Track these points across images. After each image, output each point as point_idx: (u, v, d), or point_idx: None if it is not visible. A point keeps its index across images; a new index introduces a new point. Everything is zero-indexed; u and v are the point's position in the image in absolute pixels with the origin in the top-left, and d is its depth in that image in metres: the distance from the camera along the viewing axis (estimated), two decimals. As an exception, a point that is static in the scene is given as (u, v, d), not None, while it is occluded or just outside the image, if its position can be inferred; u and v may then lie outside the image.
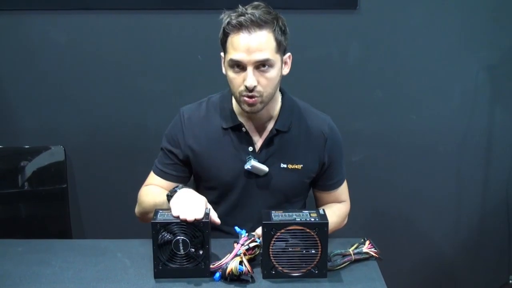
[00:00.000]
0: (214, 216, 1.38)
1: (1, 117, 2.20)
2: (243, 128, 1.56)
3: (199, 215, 1.31)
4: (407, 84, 2.17)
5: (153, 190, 1.59)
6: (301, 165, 1.58)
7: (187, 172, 1.64)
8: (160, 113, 2.15)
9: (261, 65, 1.42)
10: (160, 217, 1.32)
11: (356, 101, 2.19)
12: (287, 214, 1.33)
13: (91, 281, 1.33)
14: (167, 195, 1.43)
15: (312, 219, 1.30)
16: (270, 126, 1.57)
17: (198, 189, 1.69)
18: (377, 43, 2.13)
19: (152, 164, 1.67)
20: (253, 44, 1.40)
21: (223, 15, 1.45)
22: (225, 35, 1.44)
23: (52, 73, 2.16)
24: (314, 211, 1.34)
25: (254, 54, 1.40)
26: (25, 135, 2.21)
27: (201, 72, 2.10)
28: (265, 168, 1.55)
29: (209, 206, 1.41)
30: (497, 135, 2.22)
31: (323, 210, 1.36)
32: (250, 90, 1.43)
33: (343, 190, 1.69)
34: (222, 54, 1.50)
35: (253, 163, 1.53)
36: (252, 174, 1.56)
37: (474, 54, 2.14)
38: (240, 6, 1.44)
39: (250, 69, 1.42)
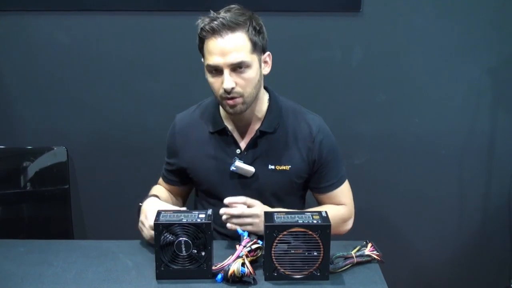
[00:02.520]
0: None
1: (4, 118, 2.21)
2: (229, 132, 1.58)
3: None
4: (410, 87, 2.17)
5: (156, 188, 1.72)
6: (289, 166, 1.58)
7: (183, 176, 1.69)
8: (163, 114, 2.14)
9: (238, 67, 1.44)
10: (163, 218, 1.32)
11: (359, 104, 2.19)
12: (289, 216, 1.32)
13: (93, 282, 1.33)
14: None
15: (315, 221, 1.30)
16: (256, 127, 1.58)
17: (197, 193, 1.75)
18: (380, 46, 2.13)
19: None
20: (226, 47, 1.42)
21: (198, 21, 1.47)
22: (201, 41, 1.48)
23: (55, 74, 2.16)
24: (317, 213, 1.34)
25: (229, 56, 1.42)
26: (28, 136, 2.22)
27: (204, 74, 2.10)
28: (251, 168, 1.56)
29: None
30: (499, 138, 2.22)
31: (326, 212, 1.35)
32: (228, 92, 1.45)
33: (342, 193, 1.66)
34: (202, 60, 1.52)
35: (237, 164, 1.55)
36: (239, 175, 1.58)
37: (477, 57, 2.14)
38: (212, 11, 1.46)
39: (226, 71, 1.44)
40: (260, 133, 1.57)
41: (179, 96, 2.13)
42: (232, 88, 1.44)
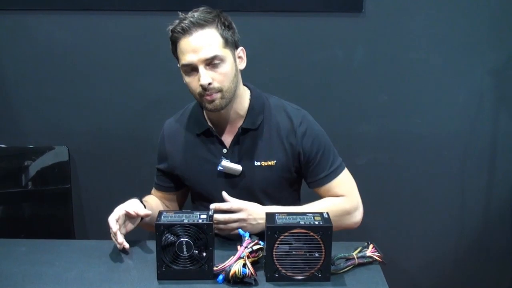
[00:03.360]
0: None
1: (5, 117, 2.21)
2: (213, 132, 1.59)
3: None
4: (412, 88, 2.17)
5: (147, 196, 1.72)
6: (275, 161, 1.58)
7: (175, 181, 1.70)
8: (164, 114, 2.14)
9: (212, 62, 1.46)
10: (164, 219, 1.32)
11: (360, 105, 2.18)
12: (291, 217, 1.32)
13: (94, 282, 1.33)
14: None
15: (316, 222, 1.30)
16: (239, 125, 1.59)
17: (193, 199, 1.74)
18: (382, 47, 2.12)
19: (155, 165, 1.73)
20: (198, 43, 1.45)
21: (168, 27, 1.50)
22: (174, 44, 1.50)
23: (56, 73, 2.16)
24: (318, 215, 1.34)
25: (201, 52, 1.44)
26: (29, 135, 2.22)
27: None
28: (237, 167, 1.56)
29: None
30: (501, 139, 2.21)
31: (327, 213, 1.35)
32: (205, 88, 1.46)
33: (339, 184, 1.60)
34: (178, 65, 1.53)
35: (223, 163, 1.56)
36: (228, 175, 1.58)
37: (479, 58, 2.13)
38: (180, 13, 1.49)
39: (201, 67, 1.45)
40: (243, 130, 1.57)
41: (181, 96, 2.10)
42: (209, 84, 1.45)
